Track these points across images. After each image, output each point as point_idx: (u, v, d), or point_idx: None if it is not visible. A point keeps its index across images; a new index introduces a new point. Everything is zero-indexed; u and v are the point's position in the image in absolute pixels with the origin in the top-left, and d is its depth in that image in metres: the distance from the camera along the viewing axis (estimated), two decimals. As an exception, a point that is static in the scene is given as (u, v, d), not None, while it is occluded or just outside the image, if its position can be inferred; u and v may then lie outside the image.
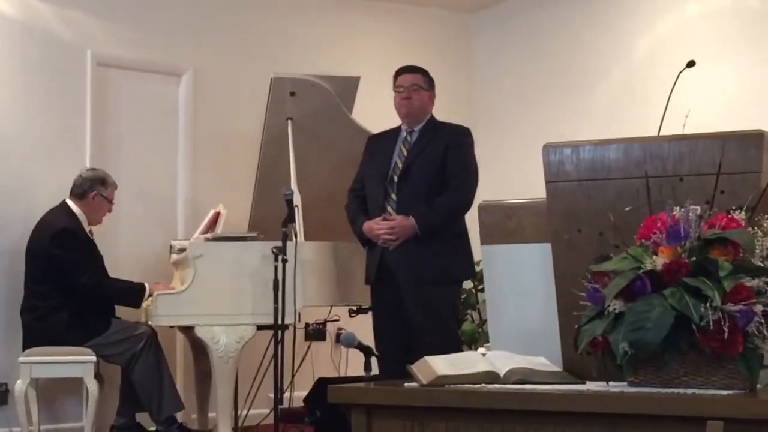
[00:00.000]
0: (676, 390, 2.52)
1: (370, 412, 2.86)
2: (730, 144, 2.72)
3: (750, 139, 2.72)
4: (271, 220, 5.45)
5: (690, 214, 2.60)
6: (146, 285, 5.51)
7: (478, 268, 4.82)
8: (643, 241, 2.65)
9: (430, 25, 7.60)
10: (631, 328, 2.51)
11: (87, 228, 5.59)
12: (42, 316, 5.36)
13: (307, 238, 5.33)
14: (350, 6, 7.29)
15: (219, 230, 5.75)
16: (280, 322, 4.98)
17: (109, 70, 6.32)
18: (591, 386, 2.74)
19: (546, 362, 2.92)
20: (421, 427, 2.77)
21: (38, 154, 6.00)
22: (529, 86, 7.36)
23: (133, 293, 5.49)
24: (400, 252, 4.74)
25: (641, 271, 2.58)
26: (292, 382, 5.80)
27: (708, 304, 2.47)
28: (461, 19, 7.80)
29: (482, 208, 3.28)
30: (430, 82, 4.97)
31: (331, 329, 6.65)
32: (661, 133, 3.98)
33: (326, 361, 6.64)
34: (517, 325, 3.16)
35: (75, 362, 5.29)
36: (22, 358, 5.32)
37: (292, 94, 5.87)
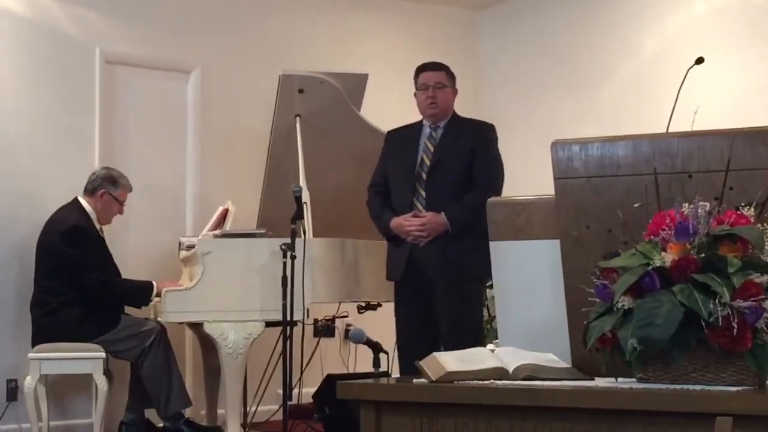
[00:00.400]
0: (685, 386, 2.52)
1: (379, 408, 2.85)
2: (739, 140, 2.71)
3: (759, 136, 2.72)
4: (279, 217, 5.45)
5: (699, 211, 2.59)
6: (154, 283, 5.52)
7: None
8: (651, 237, 2.64)
9: (436, 22, 7.60)
10: (640, 325, 2.51)
11: (97, 226, 5.60)
12: (52, 311, 5.37)
13: (315, 234, 5.33)
14: (357, 3, 7.29)
15: (228, 227, 5.75)
16: (288, 318, 4.98)
17: (117, 67, 6.34)
18: (600, 382, 2.73)
19: (555, 358, 2.91)
20: (430, 423, 2.76)
21: (46, 151, 6.02)
22: (536, 84, 7.35)
23: (141, 292, 5.50)
24: (431, 249, 4.71)
25: (650, 267, 2.58)
26: (300, 379, 5.81)
27: (717, 301, 2.47)
28: (468, 16, 7.80)
29: (491, 205, 3.28)
30: (452, 78, 4.95)
31: (339, 325, 6.67)
32: (669, 130, 3.98)
33: (335, 358, 6.65)
34: (526, 322, 3.15)
35: (84, 358, 5.31)
36: (31, 355, 5.34)
37: (301, 91, 5.87)
